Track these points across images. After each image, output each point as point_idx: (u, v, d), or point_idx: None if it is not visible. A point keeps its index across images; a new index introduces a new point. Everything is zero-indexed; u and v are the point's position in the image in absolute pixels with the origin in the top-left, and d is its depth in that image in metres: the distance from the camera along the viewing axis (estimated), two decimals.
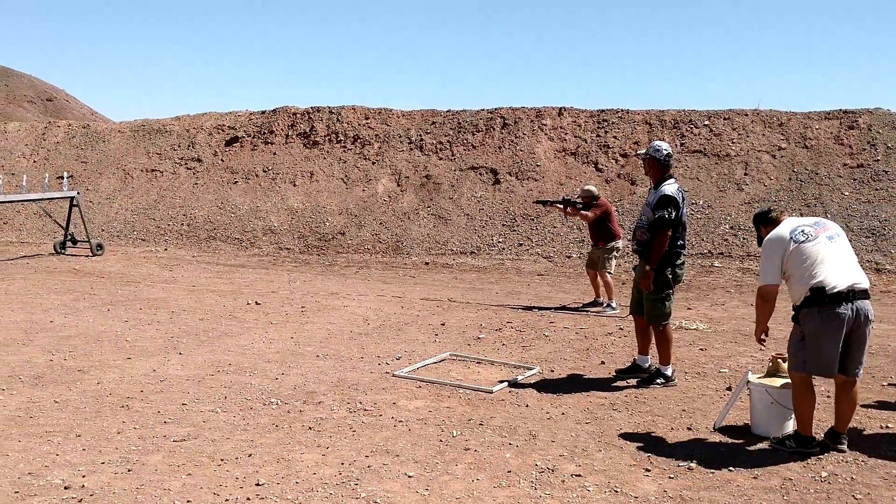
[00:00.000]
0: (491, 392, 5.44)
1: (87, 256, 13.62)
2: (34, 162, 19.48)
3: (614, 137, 15.53)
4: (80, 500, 3.58)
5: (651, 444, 4.47)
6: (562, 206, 9.12)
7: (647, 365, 5.92)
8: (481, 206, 14.88)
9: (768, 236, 4.40)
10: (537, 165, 15.46)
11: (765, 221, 4.61)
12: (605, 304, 8.87)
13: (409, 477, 3.91)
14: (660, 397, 5.42)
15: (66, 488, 3.71)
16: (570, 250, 13.24)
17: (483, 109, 17.21)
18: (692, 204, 13.45)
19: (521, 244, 13.70)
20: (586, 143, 15.68)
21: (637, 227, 5.84)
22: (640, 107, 16.52)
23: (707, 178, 14.18)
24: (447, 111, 17.56)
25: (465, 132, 16.67)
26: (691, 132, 15.12)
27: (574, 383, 5.78)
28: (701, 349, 6.89)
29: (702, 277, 11.42)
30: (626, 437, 4.58)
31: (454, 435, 4.55)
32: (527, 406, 5.16)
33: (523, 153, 15.78)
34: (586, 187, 9.14)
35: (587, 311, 8.85)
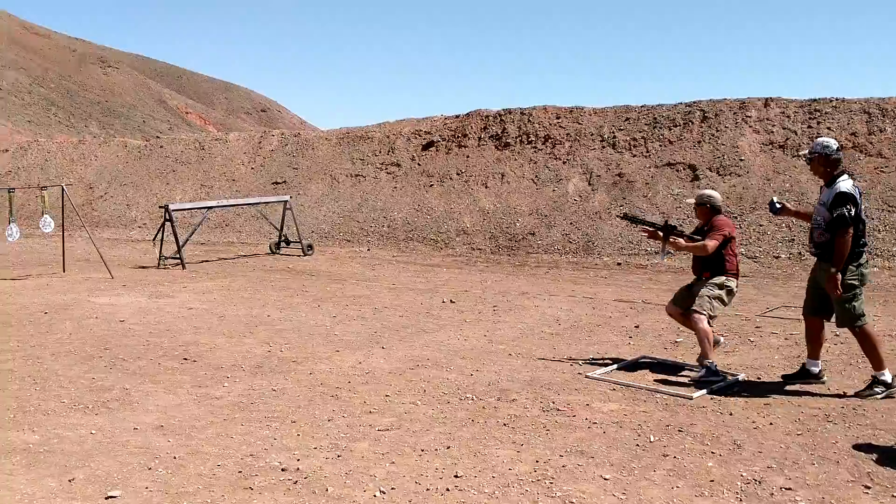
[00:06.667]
0: (691, 398, 5.23)
1: (298, 256, 14.75)
2: (252, 168, 21.36)
3: (828, 128, 14.31)
4: (295, 482, 3.89)
5: (872, 459, 4.09)
6: (655, 231, 6.19)
7: (817, 370, 5.59)
8: (678, 203, 14.30)
9: None
10: (741, 160, 14.61)
11: None
12: None
13: (605, 479, 3.86)
14: (881, 409, 4.93)
15: (283, 470, 4.04)
16: (778, 250, 12.38)
17: (680, 103, 16.54)
18: None
19: None
20: (796, 135, 14.59)
21: (814, 227, 5.49)
22: (858, 95, 15.12)
23: None
24: (641, 106, 17.07)
25: (660, 127, 16.11)
26: None
27: (783, 392, 5.41)
28: None
29: None
30: (842, 450, 4.22)
31: (651, 440, 4.43)
32: (730, 414, 4.90)
33: (725, 147, 14.98)
34: (707, 193, 6.15)
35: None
